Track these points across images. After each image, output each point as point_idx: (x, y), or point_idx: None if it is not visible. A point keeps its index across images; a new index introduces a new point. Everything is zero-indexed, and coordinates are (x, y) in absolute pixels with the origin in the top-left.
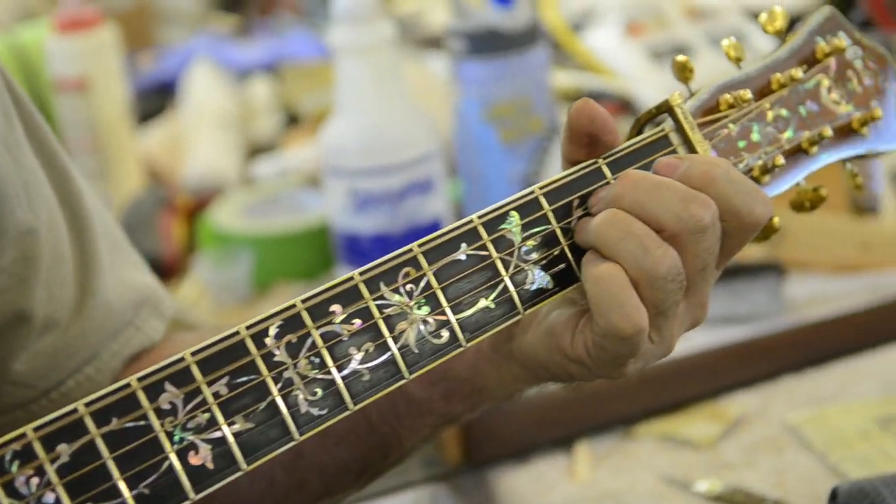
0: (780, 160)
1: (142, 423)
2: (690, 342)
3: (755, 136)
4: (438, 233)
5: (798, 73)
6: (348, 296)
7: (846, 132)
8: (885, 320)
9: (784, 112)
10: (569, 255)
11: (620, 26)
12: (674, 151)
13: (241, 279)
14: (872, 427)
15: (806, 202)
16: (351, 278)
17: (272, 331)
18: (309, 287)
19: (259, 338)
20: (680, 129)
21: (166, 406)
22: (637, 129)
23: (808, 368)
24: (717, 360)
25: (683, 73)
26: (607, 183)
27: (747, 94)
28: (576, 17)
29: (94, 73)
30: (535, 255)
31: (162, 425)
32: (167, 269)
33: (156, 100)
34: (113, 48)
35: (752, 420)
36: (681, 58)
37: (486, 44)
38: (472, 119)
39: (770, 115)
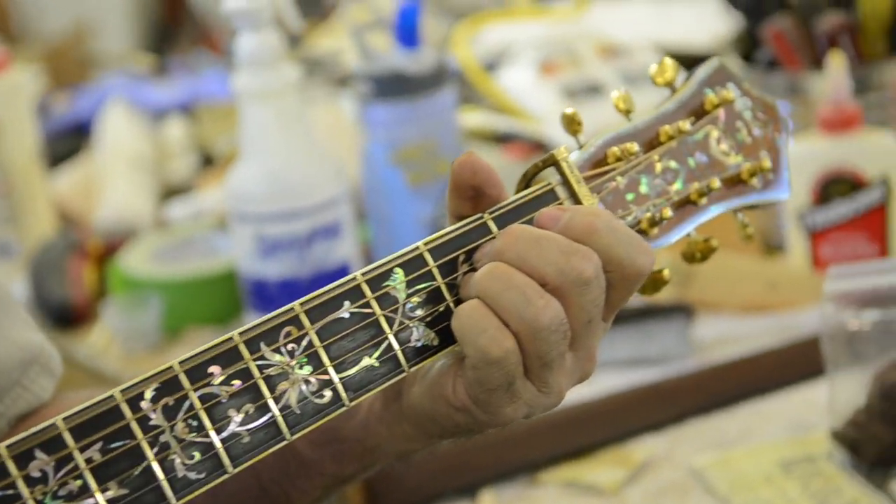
0: (668, 212)
1: (10, 491)
2: (598, 385)
3: (644, 189)
4: (321, 291)
5: (686, 125)
6: (228, 356)
7: (735, 183)
8: (791, 361)
9: (673, 164)
10: (454, 310)
11: (534, 65)
12: (561, 205)
13: (151, 326)
14: (775, 470)
15: (696, 253)
16: (230, 339)
17: (148, 394)
18: (221, 333)
19: (135, 401)
20: (566, 182)
21: (36, 474)
22: (525, 183)
23: (714, 410)
24: (624, 403)
25: (572, 126)
26: (493, 238)
27: (634, 146)
28: (491, 55)
29: (3, 115)
30: (420, 312)
31: (31, 493)
32: (77, 316)
33: (70, 141)
34: (24, 90)
35: (658, 464)
36: (569, 111)
37: (392, 87)
38: (380, 162)
39: (659, 167)
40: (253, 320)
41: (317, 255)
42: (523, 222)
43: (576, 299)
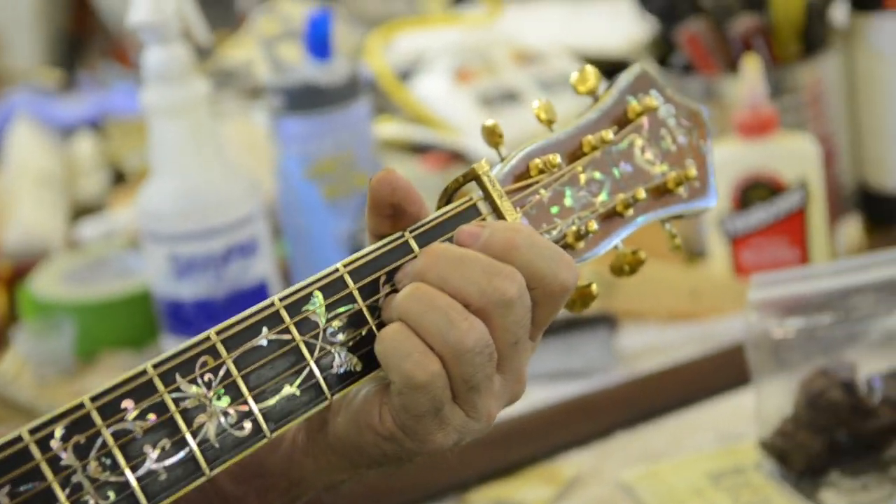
0: (594, 225)
1: None
2: (523, 401)
3: (568, 201)
4: (237, 318)
5: (609, 134)
6: (142, 390)
7: (662, 193)
8: (717, 370)
9: (598, 175)
10: (377, 334)
11: (449, 73)
12: (483, 221)
13: (64, 350)
14: (704, 482)
15: (625, 266)
16: (144, 371)
17: (58, 432)
18: (137, 356)
19: (44, 441)
20: (488, 197)
21: None
22: (446, 199)
23: (641, 423)
24: (550, 418)
25: (493, 138)
26: (414, 257)
27: (556, 158)
28: (405, 63)
29: None
30: (341, 337)
31: None
32: None
33: None
34: None
35: (587, 480)
36: (489, 123)
37: (305, 99)
38: (294, 176)
39: (583, 178)
40: (169, 344)
41: (233, 274)
42: (446, 240)
43: (500, 320)
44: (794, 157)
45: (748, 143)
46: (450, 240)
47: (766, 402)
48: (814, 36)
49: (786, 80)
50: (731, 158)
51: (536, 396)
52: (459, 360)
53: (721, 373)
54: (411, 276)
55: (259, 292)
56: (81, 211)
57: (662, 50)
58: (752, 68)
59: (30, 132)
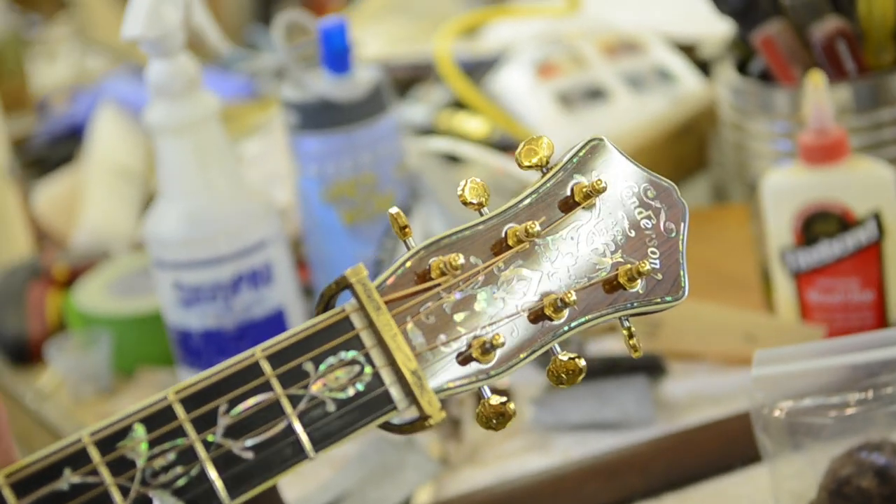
0: (500, 338)
1: None
2: (542, 454)
3: (480, 306)
4: (33, 457)
5: (534, 226)
6: None
7: (612, 288)
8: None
9: (525, 271)
10: (211, 473)
11: (531, 67)
12: (357, 337)
13: (101, 366)
14: None
15: (562, 374)
16: None
17: None
18: (175, 375)
19: None
20: (363, 309)
21: None
22: (323, 306)
23: (668, 491)
24: (561, 479)
25: (399, 229)
26: (266, 381)
27: (458, 259)
28: (491, 55)
29: None
30: (164, 477)
31: None
32: (35, 351)
33: (66, 146)
34: None
35: None
36: (393, 211)
37: (320, 116)
38: (313, 199)
39: (504, 277)
40: (183, 374)
41: (244, 303)
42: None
43: None
44: (865, 185)
45: (813, 170)
46: (317, 358)
47: (783, 485)
48: None
49: (877, 92)
50: (792, 187)
51: (558, 451)
52: None
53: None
54: None
55: (275, 322)
56: None
57: (743, 53)
58: (816, 84)
59: (113, 119)
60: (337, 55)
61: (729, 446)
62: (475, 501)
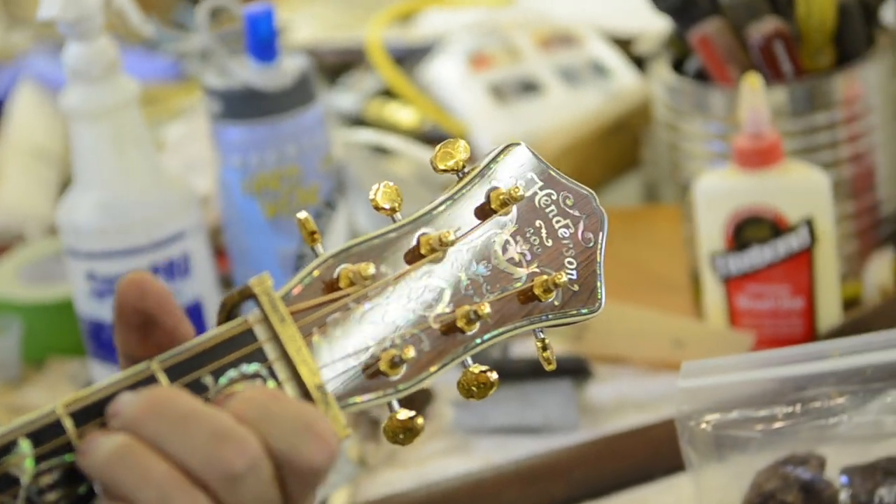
0: (410, 352)
1: None
2: (463, 458)
3: (390, 317)
4: None
5: (449, 235)
6: None
7: (527, 299)
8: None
9: (437, 282)
10: (100, 492)
11: (463, 58)
12: (260, 349)
13: (10, 355)
14: None
15: (473, 387)
16: None
17: None
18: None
19: None
20: (266, 321)
21: None
22: (224, 316)
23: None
24: (480, 484)
25: (307, 234)
26: (152, 377)
27: (369, 269)
28: (423, 44)
29: None
30: (51, 497)
31: None
32: None
33: None
34: None
35: None
36: (301, 216)
37: (244, 105)
38: (234, 190)
39: (416, 286)
40: (95, 368)
41: None
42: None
43: (227, 497)
44: (799, 191)
45: (746, 174)
46: (219, 371)
47: (707, 498)
48: (849, 41)
49: (813, 95)
50: (726, 190)
51: (479, 454)
52: None
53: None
54: (123, 421)
55: (192, 315)
56: None
57: (680, 51)
58: (753, 86)
59: (32, 99)
60: (263, 42)
61: (653, 454)
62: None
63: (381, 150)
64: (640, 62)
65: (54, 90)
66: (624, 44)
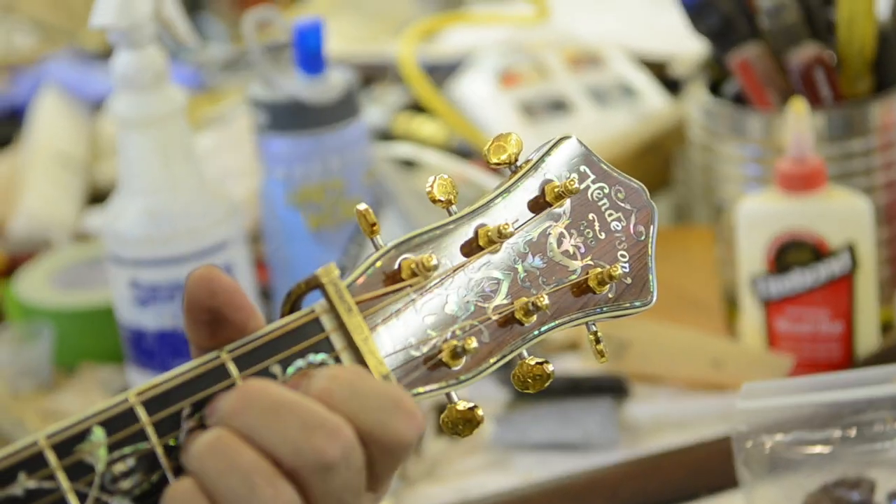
0: (472, 343)
1: None
2: (502, 473)
3: (451, 308)
4: None
5: (508, 227)
6: None
7: (581, 291)
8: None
9: (496, 273)
10: (172, 480)
11: (493, 75)
12: (327, 339)
13: (41, 361)
14: None
15: (528, 379)
16: None
17: None
18: (120, 372)
19: None
20: (334, 311)
21: None
22: (289, 306)
23: None
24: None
25: (367, 226)
26: (233, 385)
27: (431, 260)
28: (452, 60)
29: None
30: (125, 484)
31: None
32: None
33: (5, 128)
34: None
35: None
36: (362, 207)
37: (290, 117)
38: (278, 202)
39: (474, 278)
40: (133, 374)
41: None
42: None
43: (319, 485)
44: (841, 216)
45: (790, 198)
46: (287, 360)
47: None
48: (888, 68)
49: (850, 121)
50: (768, 213)
51: (519, 470)
52: None
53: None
54: (218, 416)
55: None
56: (100, 197)
57: (717, 74)
58: (798, 111)
59: (56, 104)
60: (311, 55)
61: (696, 474)
62: None
63: (407, 164)
64: (670, 84)
65: (78, 97)
66: (654, 66)
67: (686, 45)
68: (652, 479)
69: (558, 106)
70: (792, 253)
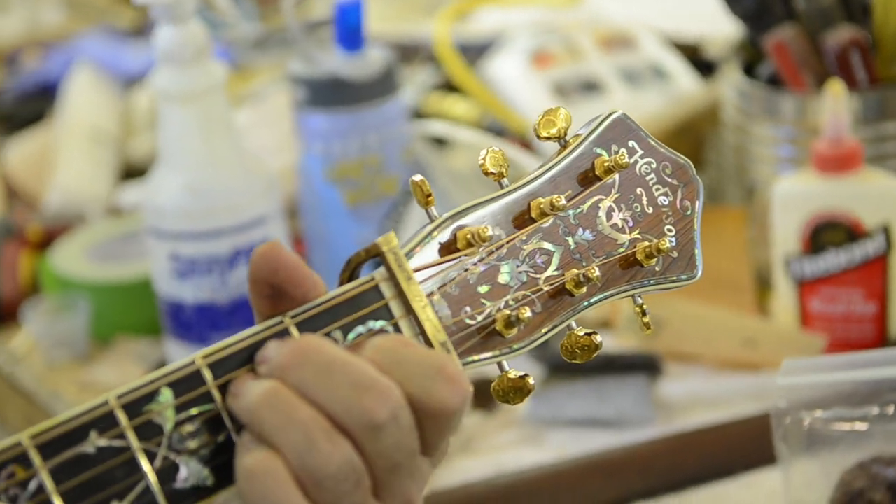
0: (526, 312)
1: None
2: (536, 449)
3: (504, 278)
4: (59, 419)
5: (560, 199)
6: None
7: (629, 264)
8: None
9: (546, 245)
10: (237, 441)
11: (526, 56)
12: (386, 306)
13: (78, 333)
14: None
15: (577, 349)
16: None
17: None
18: (155, 345)
19: None
20: (393, 278)
21: None
22: (349, 274)
23: (675, 491)
24: (560, 476)
25: (422, 196)
26: (284, 336)
27: (486, 231)
28: (484, 40)
29: None
30: (192, 444)
31: None
32: (5, 312)
33: (36, 104)
34: None
35: None
36: (417, 178)
37: (330, 93)
38: (315, 177)
39: (527, 249)
40: (171, 347)
41: (240, 278)
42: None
43: (370, 445)
44: (877, 197)
45: (825, 179)
46: (346, 326)
47: (796, 493)
48: None
49: (885, 103)
50: (804, 194)
51: (553, 446)
52: (320, 487)
53: (767, 439)
54: (271, 368)
55: None
56: (133, 173)
57: (751, 56)
58: (835, 94)
59: (90, 80)
60: (351, 32)
61: (731, 450)
62: (474, 493)
63: (439, 142)
64: (703, 66)
65: (112, 73)
66: (687, 48)
67: (719, 28)
68: (687, 456)
69: (590, 87)
70: (827, 233)
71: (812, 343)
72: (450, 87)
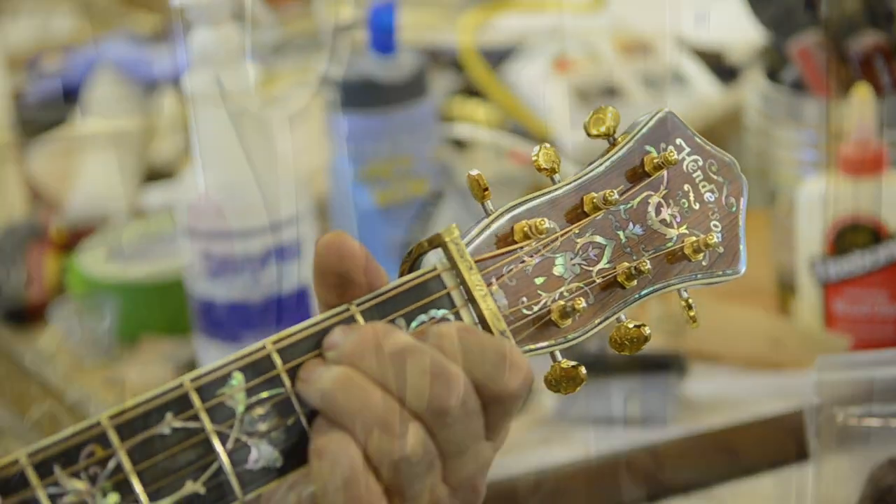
0: (581, 303)
1: None
2: (563, 446)
3: (559, 270)
4: (137, 400)
5: (613, 194)
6: (11, 484)
7: (677, 259)
8: (790, 433)
9: (599, 239)
10: (306, 425)
11: (547, 61)
12: (447, 295)
13: (105, 333)
14: None
15: (626, 341)
16: (15, 461)
17: None
18: (183, 345)
19: None
20: (455, 268)
21: None
22: (410, 264)
23: (703, 488)
24: (587, 474)
25: (478, 190)
26: (351, 318)
27: (543, 223)
28: (504, 45)
29: None
30: (262, 427)
31: None
32: (32, 312)
33: (58, 108)
34: None
35: None
36: (474, 173)
37: (362, 95)
38: (346, 177)
39: (580, 242)
40: (201, 345)
41: (272, 278)
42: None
43: (439, 430)
44: None
45: (851, 181)
46: (410, 314)
47: (826, 489)
48: None
49: None
50: (829, 197)
51: (579, 443)
52: (394, 470)
53: (795, 436)
54: (341, 353)
55: (300, 300)
56: (155, 175)
57: (775, 61)
58: (862, 97)
59: (112, 83)
60: (384, 35)
61: (758, 449)
62: (502, 490)
63: (460, 145)
64: (725, 72)
65: (133, 76)
66: (709, 55)
67: (740, 34)
68: (715, 453)
69: (611, 92)
70: (851, 235)
71: (837, 343)
72: (471, 91)
